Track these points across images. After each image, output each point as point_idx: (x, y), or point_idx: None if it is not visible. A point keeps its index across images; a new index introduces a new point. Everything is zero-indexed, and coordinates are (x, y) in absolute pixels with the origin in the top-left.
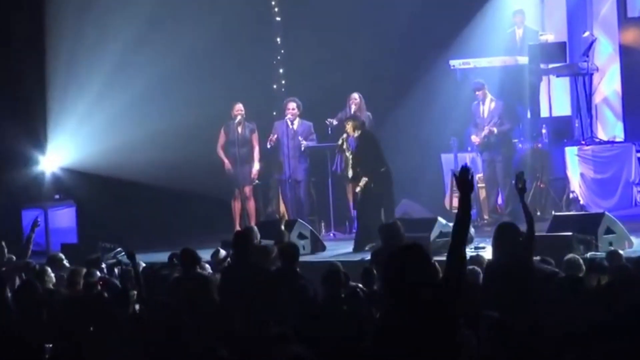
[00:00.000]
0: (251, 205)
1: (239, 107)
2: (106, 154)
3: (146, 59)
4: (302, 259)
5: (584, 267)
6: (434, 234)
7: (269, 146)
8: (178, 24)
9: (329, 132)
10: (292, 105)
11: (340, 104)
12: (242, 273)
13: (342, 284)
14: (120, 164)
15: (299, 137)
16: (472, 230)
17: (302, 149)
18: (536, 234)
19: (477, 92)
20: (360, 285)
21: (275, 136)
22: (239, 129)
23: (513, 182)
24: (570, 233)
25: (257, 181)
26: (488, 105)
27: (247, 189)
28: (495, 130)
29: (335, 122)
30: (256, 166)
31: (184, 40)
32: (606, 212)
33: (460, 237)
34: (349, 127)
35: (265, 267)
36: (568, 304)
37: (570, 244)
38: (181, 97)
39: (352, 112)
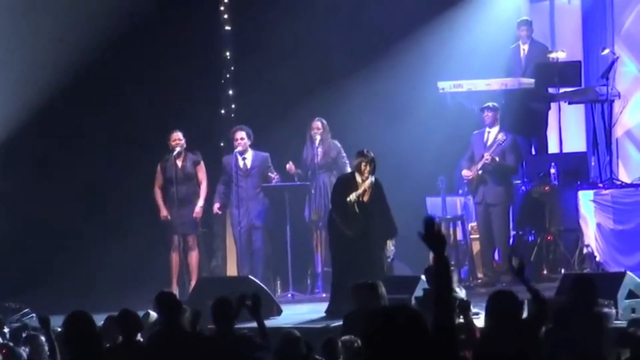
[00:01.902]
0: (194, 257)
1: (177, 136)
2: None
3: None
4: (252, 325)
5: None
6: (416, 295)
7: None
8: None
9: (295, 179)
10: (240, 134)
11: (303, 133)
12: (171, 341)
13: (303, 358)
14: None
15: (255, 175)
16: (463, 292)
17: (258, 189)
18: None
19: (485, 113)
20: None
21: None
22: (179, 163)
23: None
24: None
25: (200, 228)
26: (495, 134)
27: (191, 238)
28: (497, 158)
29: (296, 171)
30: (200, 204)
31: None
32: (628, 272)
33: (442, 289)
34: (366, 167)
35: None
36: None
37: None
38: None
39: (316, 144)
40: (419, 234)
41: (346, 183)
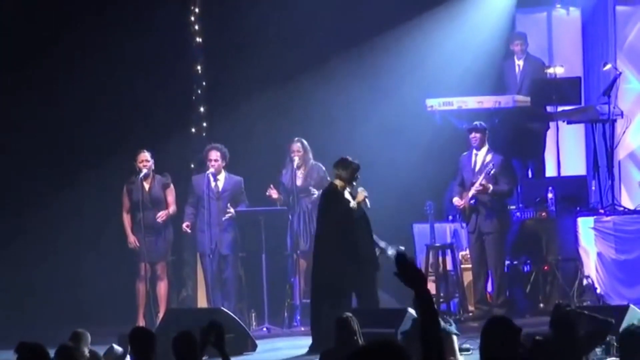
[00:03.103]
0: (162, 287)
1: (145, 157)
2: None
3: None
4: None
5: None
6: (403, 329)
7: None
8: None
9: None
10: (214, 154)
11: (281, 154)
12: None
13: None
14: None
15: (226, 199)
16: (453, 326)
17: (227, 216)
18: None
19: (472, 134)
20: None
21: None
22: (146, 186)
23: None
24: (582, 331)
25: (170, 256)
26: (483, 157)
27: (159, 266)
28: (490, 187)
29: (279, 196)
30: (170, 210)
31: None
32: (631, 305)
33: (428, 324)
34: (358, 176)
35: None
36: None
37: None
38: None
39: (295, 166)
40: (394, 274)
41: (336, 195)
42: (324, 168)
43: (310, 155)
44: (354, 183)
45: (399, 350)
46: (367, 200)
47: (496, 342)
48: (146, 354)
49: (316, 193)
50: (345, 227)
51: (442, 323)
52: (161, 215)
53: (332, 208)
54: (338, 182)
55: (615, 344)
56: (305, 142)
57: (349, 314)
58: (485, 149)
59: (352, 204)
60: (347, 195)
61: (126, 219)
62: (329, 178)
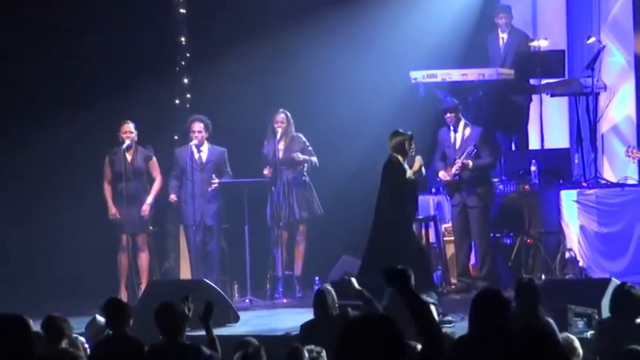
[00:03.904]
0: (144, 258)
1: (128, 128)
2: None
3: None
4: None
5: (580, 351)
6: (384, 303)
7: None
8: None
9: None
10: (197, 126)
11: (263, 125)
12: (117, 349)
13: None
14: None
15: (210, 170)
16: (434, 297)
17: (213, 186)
18: None
19: (447, 115)
20: None
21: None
22: (128, 157)
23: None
24: (565, 304)
25: (151, 227)
26: (461, 132)
27: (140, 238)
28: (470, 163)
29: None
30: (148, 201)
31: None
32: (613, 278)
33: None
34: (410, 145)
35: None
36: None
37: (564, 318)
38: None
39: (278, 137)
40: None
41: (392, 166)
42: (304, 139)
43: (293, 127)
44: (411, 153)
45: (394, 325)
46: (422, 168)
47: (486, 313)
48: (121, 324)
49: (302, 159)
50: (400, 197)
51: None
52: (145, 210)
53: (387, 180)
54: (394, 154)
55: (597, 317)
56: (288, 113)
57: (326, 286)
58: (462, 123)
59: (409, 173)
60: (405, 166)
61: (107, 189)
62: (310, 148)
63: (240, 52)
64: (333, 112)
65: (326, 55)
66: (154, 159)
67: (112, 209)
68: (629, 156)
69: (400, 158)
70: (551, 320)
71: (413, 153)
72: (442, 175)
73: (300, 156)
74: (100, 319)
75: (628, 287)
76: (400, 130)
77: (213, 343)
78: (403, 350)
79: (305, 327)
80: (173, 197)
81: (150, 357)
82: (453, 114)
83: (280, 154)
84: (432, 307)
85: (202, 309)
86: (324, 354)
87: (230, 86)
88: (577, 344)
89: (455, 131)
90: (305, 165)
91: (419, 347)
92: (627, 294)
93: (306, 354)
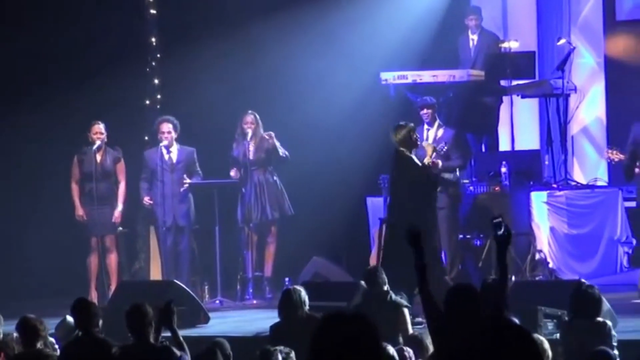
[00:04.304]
0: (112, 259)
1: (99, 129)
2: None
3: None
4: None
5: (549, 353)
6: (355, 303)
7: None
8: None
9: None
10: (166, 126)
11: (233, 125)
12: (85, 350)
13: None
14: None
15: (180, 170)
16: (405, 298)
17: (184, 187)
18: None
19: (424, 111)
20: None
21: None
22: (98, 158)
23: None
24: (535, 306)
25: (121, 228)
26: (434, 132)
27: (108, 239)
28: (440, 163)
29: (238, 176)
30: (119, 207)
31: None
32: (583, 280)
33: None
34: (415, 134)
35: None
36: None
37: (534, 320)
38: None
39: (248, 138)
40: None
41: (401, 160)
42: (273, 137)
43: (261, 128)
44: (419, 143)
45: (371, 323)
46: (436, 152)
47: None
48: (90, 324)
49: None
50: (415, 189)
51: (392, 296)
52: (117, 217)
53: (396, 174)
54: (400, 148)
55: (566, 318)
56: (257, 114)
57: (295, 286)
58: (436, 123)
59: (426, 160)
60: (413, 157)
61: (75, 189)
62: (280, 147)
63: (211, 52)
64: (303, 112)
65: (297, 56)
66: (122, 161)
67: (79, 210)
68: (609, 157)
69: (407, 151)
70: (516, 321)
71: (419, 142)
72: None
73: (272, 135)
74: (70, 319)
75: (586, 287)
76: (402, 123)
77: (181, 346)
78: (380, 347)
79: (274, 328)
80: (146, 199)
81: (121, 358)
82: (430, 111)
83: (251, 155)
84: (405, 310)
85: (164, 310)
86: (292, 354)
87: (200, 87)
88: (546, 345)
89: (430, 128)
90: (280, 151)
91: (391, 349)
92: (585, 294)
93: (279, 357)
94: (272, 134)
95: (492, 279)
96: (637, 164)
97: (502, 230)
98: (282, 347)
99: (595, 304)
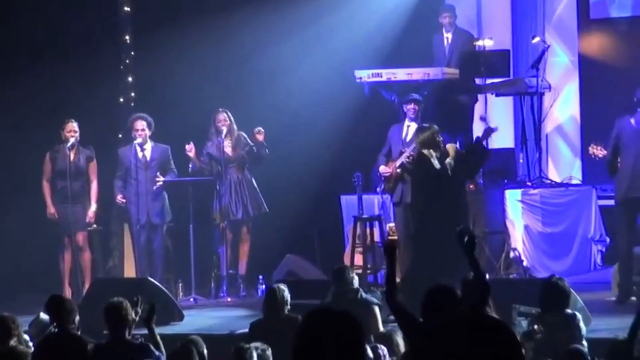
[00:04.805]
0: (86, 257)
1: (73, 127)
2: None
3: None
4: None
5: (523, 350)
6: (326, 301)
7: (190, 167)
8: None
9: (190, 166)
10: (140, 124)
11: (208, 122)
12: (59, 347)
13: None
14: None
15: (154, 167)
16: (378, 296)
17: (158, 184)
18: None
19: (410, 105)
20: None
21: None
22: (72, 156)
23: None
24: (509, 304)
25: (95, 225)
26: (414, 128)
27: (81, 236)
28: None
29: (194, 156)
30: (92, 207)
31: None
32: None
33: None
34: (438, 137)
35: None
36: None
37: (508, 318)
38: None
39: (223, 135)
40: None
41: (419, 161)
42: (245, 135)
43: (235, 125)
44: (442, 145)
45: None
46: (458, 151)
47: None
48: (65, 321)
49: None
50: (429, 191)
51: (363, 294)
52: (91, 217)
53: (414, 175)
54: (423, 150)
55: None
56: (228, 112)
57: (279, 285)
58: (418, 119)
59: (448, 160)
60: (432, 159)
61: (46, 187)
62: (252, 145)
63: (185, 50)
64: (278, 111)
65: (272, 55)
66: (95, 160)
67: (51, 209)
68: (593, 153)
69: (428, 152)
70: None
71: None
72: (383, 169)
73: (261, 131)
74: (44, 316)
75: (555, 280)
76: (426, 125)
77: (157, 346)
78: (363, 345)
79: (254, 325)
80: (120, 197)
81: (98, 355)
82: (416, 107)
83: (228, 153)
84: (376, 308)
85: (145, 309)
86: (269, 352)
87: (174, 84)
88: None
89: (409, 125)
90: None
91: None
92: (554, 286)
93: (254, 354)
94: (262, 130)
95: (473, 275)
96: (619, 160)
97: (466, 239)
98: (258, 344)
99: (564, 297)
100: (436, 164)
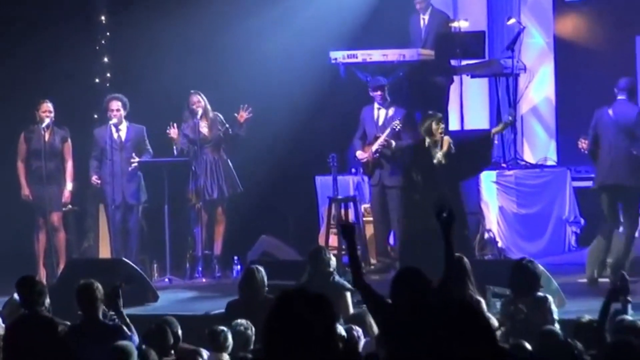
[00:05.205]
0: (61, 237)
1: (48, 107)
2: None
3: None
4: (127, 311)
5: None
6: (301, 282)
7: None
8: None
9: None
10: (115, 104)
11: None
12: (29, 328)
13: (168, 347)
14: None
15: (130, 148)
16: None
17: (133, 165)
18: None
19: (375, 92)
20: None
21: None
22: (47, 136)
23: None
24: (483, 285)
25: (70, 206)
26: (386, 111)
27: (55, 217)
28: (393, 143)
29: (176, 138)
30: (68, 187)
31: None
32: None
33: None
34: (438, 126)
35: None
36: None
37: (483, 299)
38: None
39: (199, 117)
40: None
41: (417, 149)
42: (221, 116)
43: (209, 106)
44: (440, 134)
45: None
46: (452, 146)
47: (407, 290)
48: (34, 302)
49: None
50: (424, 179)
51: (336, 277)
52: (67, 197)
53: (411, 161)
54: (424, 136)
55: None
56: (201, 93)
57: (257, 266)
58: (387, 103)
59: (439, 155)
60: (429, 146)
61: (21, 168)
62: (227, 126)
63: (160, 30)
64: (252, 91)
65: (247, 34)
66: (69, 141)
67: (26, 190)
68: (582, 147)
69: (423, 139)
70: (482, 299)
71: (442, 134)
72: (360, 154)
73: (247, 109)
74: (17, 297)
75: (526, 262)
76: (430, 113)
77: (128, 327)
78: (335, 327)
79: (231, 305)
80: (95, 178)
81: (70, 336)
82: (381, 92)
83: (204, 133)
84: (348, 293)
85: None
86: (252, 330)
87: (150, 65)
88: (495, 322)
89: (381, 108)
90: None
91: (341, 329)
92: (524, 268)
93: (229, 336)
94: (249, 107)
95: (459, 256)
96: (599, 150)
97: (445, 213)
98: (243, 321)
99: (534, 279)
100: (438, 155)
